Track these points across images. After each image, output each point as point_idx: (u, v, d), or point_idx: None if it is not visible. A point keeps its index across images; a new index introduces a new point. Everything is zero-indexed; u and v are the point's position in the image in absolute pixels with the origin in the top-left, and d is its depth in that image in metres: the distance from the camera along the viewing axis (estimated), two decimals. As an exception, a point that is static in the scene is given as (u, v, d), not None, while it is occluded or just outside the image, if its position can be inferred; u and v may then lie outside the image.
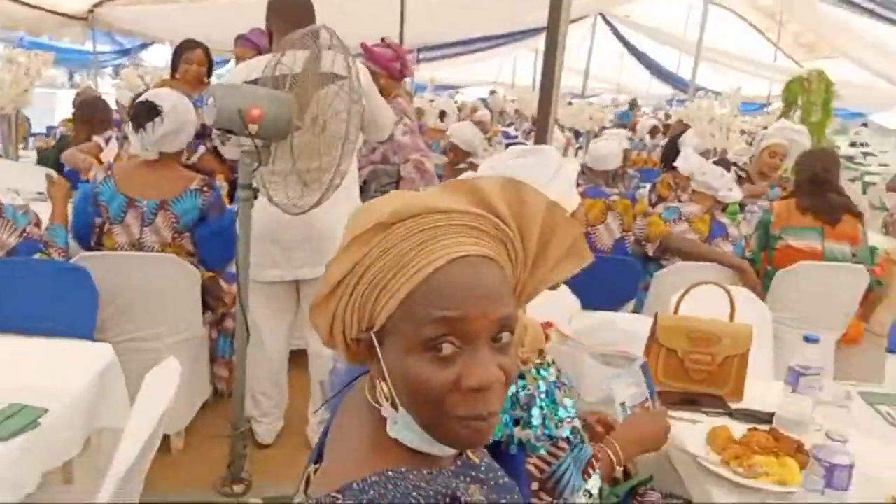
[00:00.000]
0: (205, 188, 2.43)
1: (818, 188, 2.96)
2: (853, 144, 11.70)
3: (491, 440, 1.03)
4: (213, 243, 2.45)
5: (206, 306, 2.52)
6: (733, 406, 1.66)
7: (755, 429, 1.48)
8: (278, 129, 2.06)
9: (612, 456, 1.23)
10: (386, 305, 0.68)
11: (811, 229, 2.94)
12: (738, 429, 1.50)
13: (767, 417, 1.58)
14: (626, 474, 1.51)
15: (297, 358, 2.70)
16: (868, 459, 1.25)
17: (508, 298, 0.71)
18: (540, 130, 2.45)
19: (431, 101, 8.86)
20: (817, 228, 2.93)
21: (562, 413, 1.09)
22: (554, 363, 1.17)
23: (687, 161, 3.28)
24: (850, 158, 9.44)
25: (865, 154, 10.92)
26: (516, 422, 1.07)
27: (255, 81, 2.20)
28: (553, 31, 2.30)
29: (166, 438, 2.43)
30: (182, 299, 2.40)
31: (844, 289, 2.92)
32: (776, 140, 4.04)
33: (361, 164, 3.26)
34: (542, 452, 1.07)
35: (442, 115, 7.11)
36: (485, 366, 0.68)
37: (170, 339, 2.41)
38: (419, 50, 9.87)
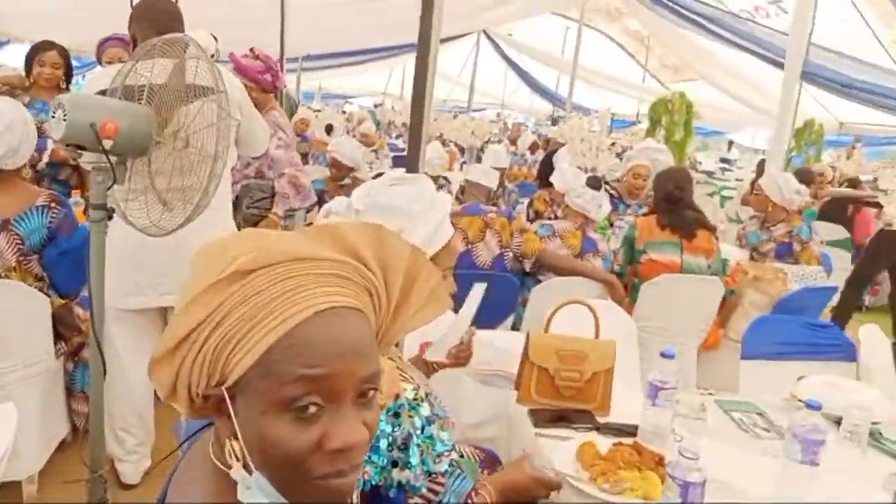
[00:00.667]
0: (52, 204, 2.22)
1: (674, 205, 3.18)
2: (724, 161, 12.75)
3: (369, 485, 0.99)
4: (63, 266, 2.24)
5: (59, 336, 2.30)
6: (601, 420, 1.72)
7: (620, 443, 1.54)
8: (135, 145, 1.92)
9: (486, 496, 1.23)
10: (241, 361, 0.63)
11: (671, 244, 3.15)
12: (605, 443, 1.54)
13: (632, 430, 1.65)
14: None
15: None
16: (723, 467, 1.33)
17: (375, 353, 0.68)
18: (412, 147, 2.44)
19: (317, 111, 8.71)
20: (676, 243, 3.14)
21: (439, 447, 1.08)
22: (427, 397, 1.15)
23: (562, 178, 3.41)
24: (709, 174, 10.22)
25: (723, 170, 11.90)
26: (394, 463, 1.04)
27: (103, 92, 2.04)
28: (424, 48, 2.31)
29: (17, 485, 2.20)
30: (30, 330, 2.18)
31: (703, 298, 3.14)
32: (639, 161, 4.33)
33: (234, 178, 3.14)
34: (423, 491, 1.05)
35: (329, 128, 7.01)
36: (350, 426, 0.65)
37: (18, 373, 2.18)
38: (304, 58, 9.69)
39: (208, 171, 1.96)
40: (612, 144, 4.84)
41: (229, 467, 0.66)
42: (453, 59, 12.98)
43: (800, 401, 1.88)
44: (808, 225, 3.75)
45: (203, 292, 0.64)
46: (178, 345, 0.65)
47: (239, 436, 0.64)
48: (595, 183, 3.26)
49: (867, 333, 2.41)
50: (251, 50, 3.30)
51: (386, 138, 10.20)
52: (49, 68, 3.31)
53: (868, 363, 2.27)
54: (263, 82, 3.22)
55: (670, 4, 9.59)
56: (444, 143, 7.36)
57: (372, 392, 0.67)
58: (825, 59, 8.33)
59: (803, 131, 9.63)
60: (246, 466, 0.65)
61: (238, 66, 3.15)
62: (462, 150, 7.24)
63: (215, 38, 3.08)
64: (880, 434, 1.74)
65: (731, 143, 14.43)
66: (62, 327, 2.31)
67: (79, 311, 2.37)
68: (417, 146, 2.24)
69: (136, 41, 2.25)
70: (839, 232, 5.77)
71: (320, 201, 3.83)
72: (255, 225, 3.25)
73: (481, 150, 6.61)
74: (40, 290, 2.19)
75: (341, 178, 4.17)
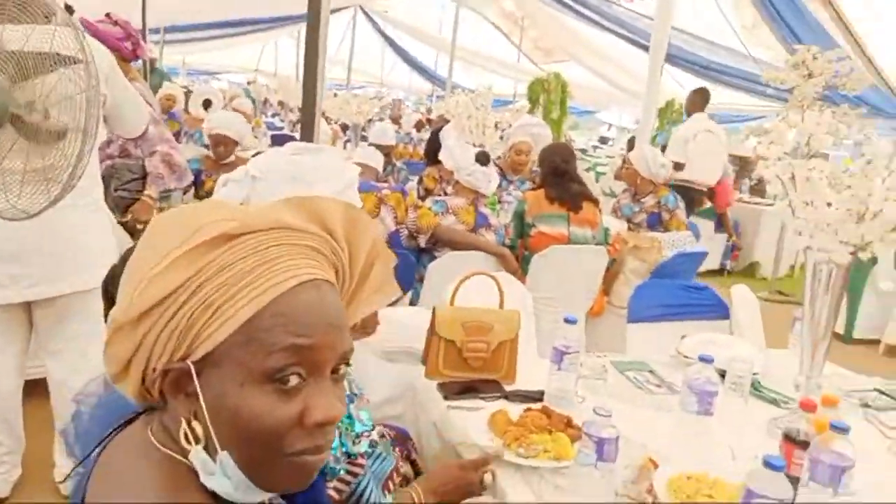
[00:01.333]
0: None
1: (560, 178, 3.29)
2: (603, 139, 13.41)
3: None
4: None
5: None
6: (508, 388, 1.75)
7: (529, 409, 1.57)
8: (-14, 119, 1.70)
9: (413, 497, 1.20)
10: (219, 330, 0.60)
11: (558, 216, 3.26)
12: (515, 410, 1.57)
13: (539, 395, 1.69)
14: (414, 465, 1.51)
15: (33, 389, 2.28)
16: (624, 422, 1.38)
17: (348, 328, 0.68)
18: (306, 124, 2.36)
19: (187, 88, 8.18)
20: (563, 215, 3.25)
21: (358, 428, 1.04)
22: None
23: (451, 156, 3.42)
24: (583, 151, 10.71)
25: (595, 147, 12.52)
26: None
27: None
28: (314, 21, 2.22)
29: None
30: None
31: (589, 268, 3.29)
32: (521, 138, 4.44)
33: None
34: (342, 473, 1.00)
35: (207, 103, 6.57)
36: (330, 400, 0.64)
37: None
38: (166, 30, 9.03)
39: (77, 148, 1.77)
40: (497, 124, 4.92)
41: (183, 452, 0.63)
42: (329, 36, 12.66)
43: (685, 357, 2.02)
44: (673, 195, 4.03)
45: (182, 256, 0.60)
46: (148, 312, 0.61)
47: (205, 413, 0.61)
48: (484, 158, 3.30)
49: (738, 293, 2.61)
50: (107, 15, 3.00)
51: (262, 117, 9.79)
52: None
53: (740, 320, 2.47)
54: (124, 50, 2.93)
55: (543, -15, 9.88)
56: (326, 121, 7.17)
57: (344, 367, 0.67)
58: (685, 42, 8.93)
59: (666, 110, 10.29)
60: (207, 448, 0.62)
61: (94, 32, 2.84)
62: (345, 128, 7.11)
63: (69, 7, 2.77)
64: (759, 384, 1.89)
65: (610, 124, 15.22)
66: None
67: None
68: (311, 122, 2.16)
69: None
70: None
71: (196, 182, 3.60)
72: (126, 209, 3.00)
73: (364, 129, 6.51)
74: None
75: (226, 156, 3.86)
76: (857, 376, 2.16)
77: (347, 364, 0.67)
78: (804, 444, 1.29)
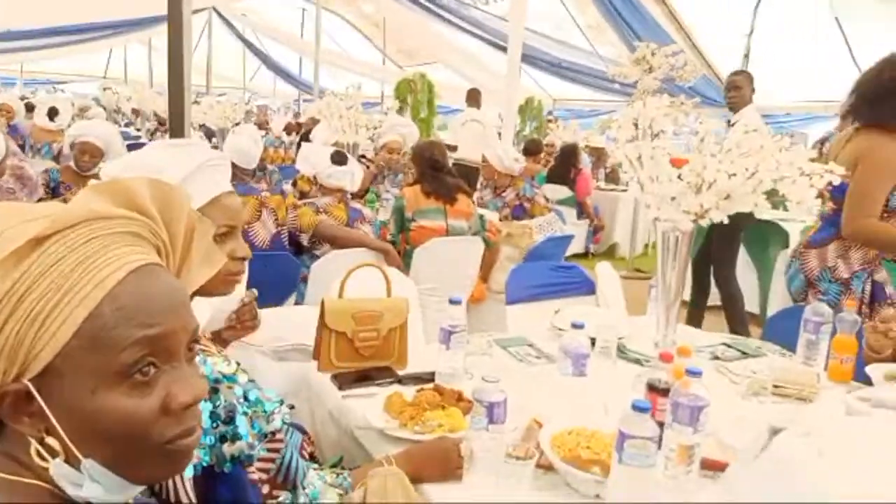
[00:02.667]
0: None
1: (436, 173, 3.41)
2: None
3: (200, 468, 0.94)
4: None
5: None
6: (401, 373, 1.82)
7: (422, 389, 1.65)
8: None
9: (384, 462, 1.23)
10: (53, 340, 0.56)
11: (436, 210, 3.38)
12: (409, 392, 1.64)
13: (430, 376, 1.77)
14: (313, 458, 1.53)
15: None
16: (511, 392, 1.49)
17: (190, 304, 0.66)
18: (175, 130, 2.30)
19: (25, 98, 7.52)
20: (441, 209, 3.38)
21: (269, 406, 1.06)
22: (239, 365, 1.12)
23: (307, 162, 3.41)
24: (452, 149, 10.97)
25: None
26: (223, 439, 1.00)
27: None
28: (177, 23, 2.16)
29: None
30: None
31: (467, 257, 3.43)
32: (391, 137, 4.55)
33: None
34: (263, 454, 1.02)
35: (52, 112, 6.06)
36: (190, 380, 0.63)
37: None
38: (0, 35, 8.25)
39: None
40: (367, 125, 4.98)
41: (36, 474, 0.59)
42: (184, 40, 12.06)
43: (559, 329, 2.19)
44: (528, 183, 4.31)
45: None
46: None
47: (57, 428, 0.58)
48: (340, 157, 3.31)
49: (601, 270, 2.84)
50: None
51: (116, 127, 9.16)
52: None
53: (605, 293, 2.69)
54: None
55: (401, -11, 10.03)
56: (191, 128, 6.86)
57: (196, 346, 0.66)
58: (538, 42, 9.43)
59: (525, 108, 10.81)
60: (67, 460, 0.59)
61: None
62: (210, 135, 6.85)
63: None
64: (624, 347, 2.09)
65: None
66: None
67: None
68: (181, 128, 2.11)
69: None
70: (565, 192, 6.64)
71: (55, 195, 3.36)
72: None
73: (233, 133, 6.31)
74: None
75: (90, 167, 3.55)
76: (708, 334, 2.43)
77: (198, 342, 0.67)
78: (665, 392, 1.45)
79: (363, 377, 1.76)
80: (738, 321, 4.13)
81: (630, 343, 2.14)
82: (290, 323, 2.26)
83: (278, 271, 2.78)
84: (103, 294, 0.58)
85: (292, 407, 1.65)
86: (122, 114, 10.50)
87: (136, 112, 10.50)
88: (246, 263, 1.23)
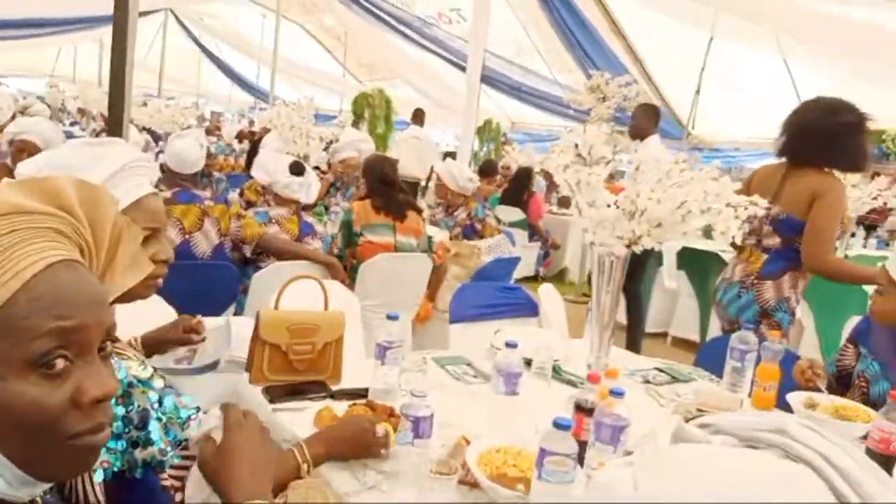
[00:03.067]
0: None
1: (387, 188, 3.42)
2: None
3: (111, 473, 0.92)
4: None
5: None
6: (334, 388, 1.80)
7: (354, 404, 1.64)
8: None
9: (297, 457, 1.22)
10: None
11: (385, 226, 3.37)
12: (341, 407, 1.63)
13: (363, 392, 1.76)
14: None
15: None
16: (443, 410, 1.50)
17: (109, 304, 0.67)
18: (112, 131, 2.25)
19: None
20: (390, 225, 3.38)
21: (184, 413, 1.04)
22: (156, 371, 1.10)
23: (264, 170, 3.38)
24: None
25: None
26: (135, 444, 0.97)
27: None
28: (121, 22, 2.13)
29: None
30: None
31: (414, 275, 3.43)
32: (349, 153, 4.56)
33: None
34: (177, 461, 1.00)
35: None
36: (102, 376, 0.63)
37: None
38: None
39: None
40: (322, 137, 4.97)
41: None
42: (138, 40, 11.80)
43: (497, 349, 2.21)
44: (481, 204, 4.36)
45: None
46: None
47: None
48: (298, 168, 3.30)
49: (544, 291, 2.89)
50: None
51: (60, 125, 8.88)
52: None
53: (547, 314, 2.74)
54: None
55: (363, 3, 10.07)
56: (137, 129, 6.70)
57: (110, 344, 0.66)
58: (498, 64, 9.58)
59: (484, 129, 10.94)
60: None
61: None
62: (157, 139, 6.71)
63: None
64: (560, 368, 2.12)
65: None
66: None
67: None
68: (119, 129, 2.07)
69: None
70: (517, 214, 6.72)
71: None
72: None
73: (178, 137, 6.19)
74: None
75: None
76: (642, 358, 2.49)
77: (113, 341, 0.67)
78: (591, 412, 1.49)
79: (295, 391, 1.74)
80: (632, 338, 4.29)
81: (566, 365, 2.17)
82: (221, 333, 2.22)
83: (218, 281, 2.73)
84: (20, 284, 0.58)
85: (199, 409, 1.62)
86: (67, 113, 10.18)
87: (82, 112, 10.20)
88: (167, 267, 1.21)
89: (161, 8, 10.31)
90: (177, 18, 12.11)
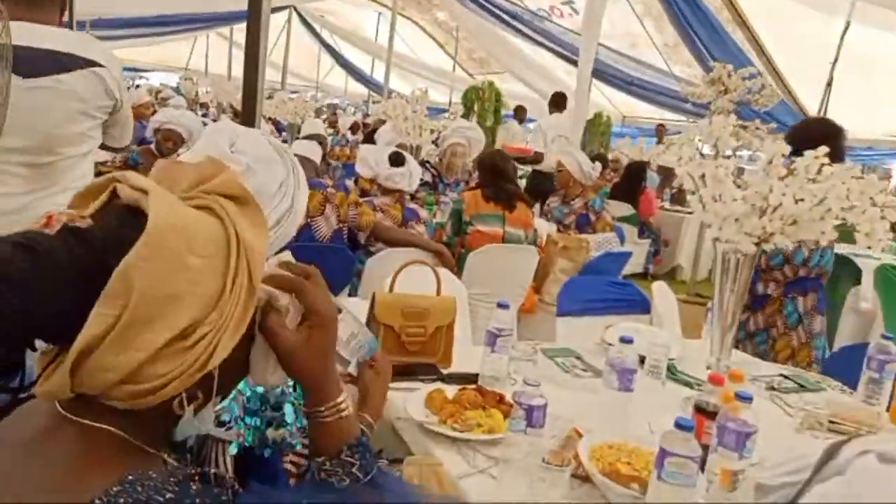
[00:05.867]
0: None
1: (498, 179, 3.42)
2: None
3: (242, 446, 0.97)
4: None
5: None
6: (445, 371, 1.83)
7: (464, 388, 1.65)
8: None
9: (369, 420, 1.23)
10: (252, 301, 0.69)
11: (494, 216, 3.38)
12: (451, 390, 1.65)
13: (473, 377, 1.77)
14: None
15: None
16: (553, 402, 1.48)
17: None
18: (247, 122, 2.38)
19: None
20: (499, 215, 3.38)
21: None
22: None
23: (366, 166, 3.46)
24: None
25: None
26: (269, 423, 1.03)
27: None
28: (255, 19, 2.24)
29: None
30: None
31: (521, 266, 3.42)
32: (455, 140, 4.58)
33: None
34: (298, 448, 1.04)
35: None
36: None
37: None
38: (92, 24, 8.71)
39: None
40: (433, 130, 5.03)
41: (105, 420, 0.65)
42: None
43: (609, 344, 2.15)
44: (599, 197, 4.24)
45: (214, 272, 0.65)
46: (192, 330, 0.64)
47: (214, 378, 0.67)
48: (398, 158, 3.36)
49: (658, 289, 2.79)
50: None
51: (199, 118, 9.53)
52: None
53: (659, 313, 2.64)
54: None
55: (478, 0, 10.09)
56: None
57: None
58: (611, 58, 9.31)
59: (593, 122, 10.68)
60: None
61: None
62: (280, 129, 7.06)
63: None
64: (675, 368, 2.04)
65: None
66: None
67: None
68: (252, 121, 2.19)
69: None
70: (628, 209, 6.52)
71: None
72: None
73: (299, 130, 6.49)
74: None
75: (171, 153, 3.78)
76: (765, 363, 2.34)
77: None
78: (713, 415, 1.42)
79: (407, 371, 1.77)
80: None
81: (681, 365, 2.09)
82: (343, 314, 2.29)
83: (335, 265, 2.84)
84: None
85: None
86: (199, 104, 10.92)
87: (214, 103, 10.90)
88: None
89: (287, 5, 10.80)
90: (300, 16, 12.66)
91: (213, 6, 9.27)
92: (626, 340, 1.65)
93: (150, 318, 0.61)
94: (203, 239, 0.64)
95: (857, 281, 4.18)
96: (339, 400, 0.79)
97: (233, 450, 0.93)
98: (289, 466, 1.07)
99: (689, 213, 6.66)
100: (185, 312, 0.62)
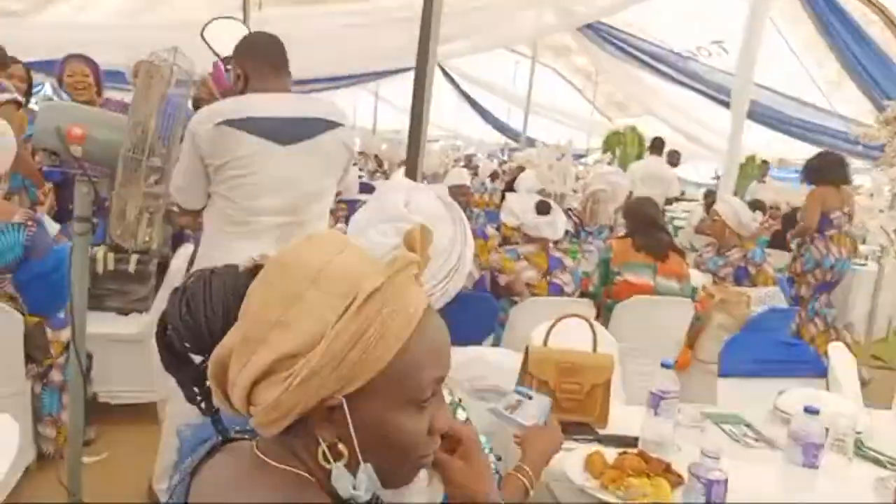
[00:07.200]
0: (29, 222, 2.14)
1: (649, 228, 3.29)
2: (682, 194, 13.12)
3: None
4: (37, 288, 2.16)
5: (28, 358, 2.20)
6: (601, 432, 1.75)
7: (625, 452, 1.56)
8: (111, 155, 1.87)
9: (525, 482, 1.21)
10: (374, 366, 0.65)
11: (645, 266, 3.24)
12: (609, 453, 1.57)
13: (632, 441, 1.67)
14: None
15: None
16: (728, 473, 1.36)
17: None
18: (409, 172, 2.51)
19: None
20: (651, 265, 3.24)
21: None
22: (459, 402, 1.15)
23: (511, 213, 3.44)
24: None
25: (669, 201, 12.27)
26: None
27: None
28: (421, 77, 2.36)
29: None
30: (2, 351, 2.08)
31: (674, 320, 3.23)
32: (599, 186, 4.49)
33: None
34: None
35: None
36: (445, 410, 0.75)
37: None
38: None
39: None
40: (576, 174, 5.00)
41: (307, 468, 0.69)
42: (403, 90, 13.05)
43: (783, 412, 1.96)
44: (760, 248, 3.93)
45: (347, 318, 0.65)
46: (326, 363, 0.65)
47: (353, 436, 0.66)
48: (544, 207, 3.32)
49: (836, 351, 2.52)
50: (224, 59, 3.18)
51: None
52: (79, 76, 3.31)
53: (838, 378, 2.37)
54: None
55: (618, 43, 10.00)
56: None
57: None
58: (766, 97, 8.80)
59: (746, 166, 10.09)
60: (347, 464, 0.68)
61: (218, 77, 3.02)
62: (423, 178, 7.33)
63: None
64: (862, 443, 1.81)
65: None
66: (33, 349, 2.20)
67: (49, 331, 2.27)
68: (415, 173, 2.30)
69: (243, 76, 2.14)
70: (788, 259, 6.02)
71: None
72: None
73: (443, 178, 6.70)
74: (15, 308, 2.09)
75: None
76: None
77: None
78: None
79: (562, 430, 1.71)
80: None
81: (868, 440, 1.85)
82: (489, 363, 2.29)
83: (478, 312, 2.84)
84: (410, 331, 0.67)
85: (499, 458, 1.66)
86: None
87: (361, 154, 11.57)
88: None
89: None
90: (443, 71, 13.21)
91: (371, 64, 9.90)
92: (811, 411, 1.50)
93: (260, 339, 0.65)
94: (336, 279, 0.65)
95: None
96: None
97: None
98: None
99: (863, 264, 6.04)
100: (290, 339, 0.64)
